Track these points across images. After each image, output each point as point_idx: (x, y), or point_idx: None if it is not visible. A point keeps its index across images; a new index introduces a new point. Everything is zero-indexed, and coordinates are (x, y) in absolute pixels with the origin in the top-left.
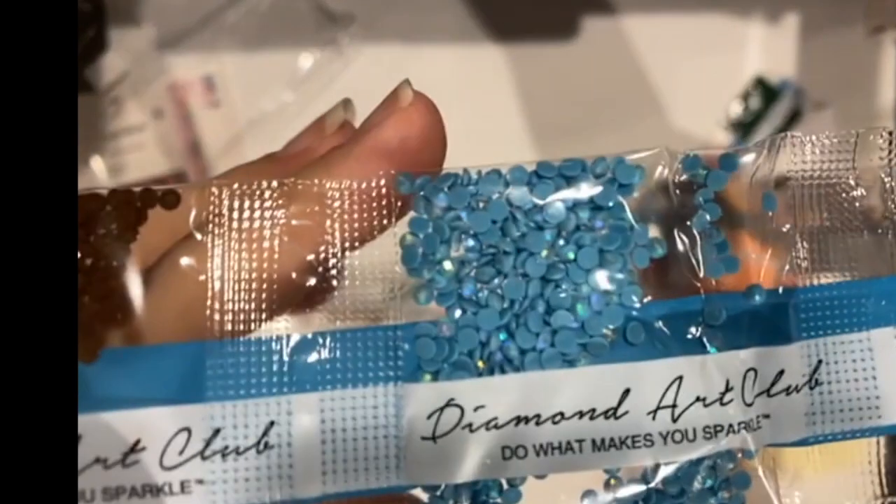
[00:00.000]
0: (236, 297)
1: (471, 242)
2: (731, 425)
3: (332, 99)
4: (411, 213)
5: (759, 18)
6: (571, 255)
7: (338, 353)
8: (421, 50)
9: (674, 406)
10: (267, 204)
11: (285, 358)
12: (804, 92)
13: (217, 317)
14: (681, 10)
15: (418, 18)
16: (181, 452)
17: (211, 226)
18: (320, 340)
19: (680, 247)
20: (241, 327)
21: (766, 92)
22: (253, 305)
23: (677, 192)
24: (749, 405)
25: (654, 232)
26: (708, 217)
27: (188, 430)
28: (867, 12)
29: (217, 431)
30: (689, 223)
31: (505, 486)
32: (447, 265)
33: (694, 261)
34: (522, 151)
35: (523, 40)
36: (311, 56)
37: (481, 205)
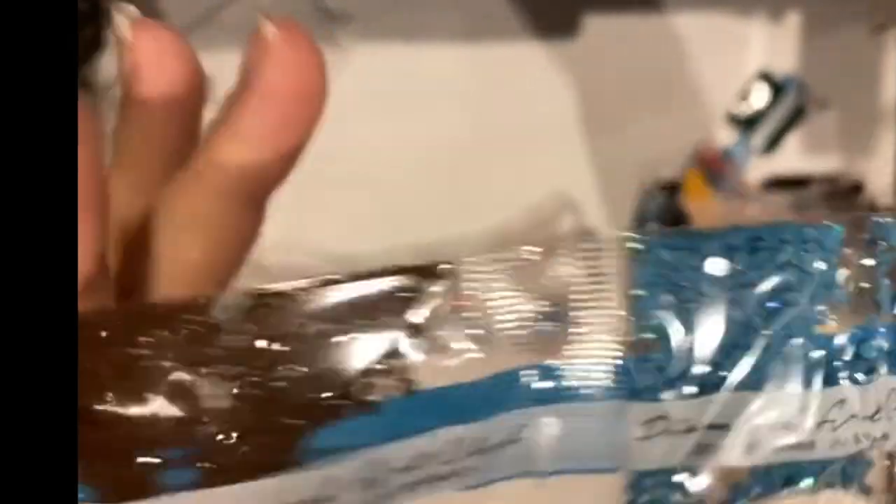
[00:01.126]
0: None
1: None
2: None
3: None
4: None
5: (761, 17)
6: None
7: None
8: (420, 49)
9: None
10: None
11: None
12: (808, 88)
13: None
14: (683, 9)
15: (417, 17)
16: None
17: None
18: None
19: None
20: None
21: (771, 87)
22: None
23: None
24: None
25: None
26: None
27: None
28: (870, 11)
29: None
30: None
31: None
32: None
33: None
34: (523, 151)
35: (523, 40)
36: None
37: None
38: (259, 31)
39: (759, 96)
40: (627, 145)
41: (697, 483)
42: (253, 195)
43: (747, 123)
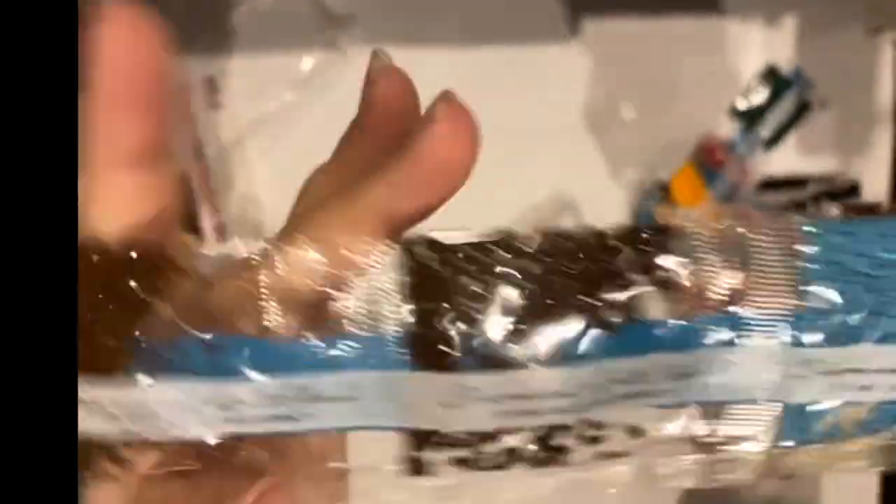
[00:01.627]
0: None
1: None
2: None
3: (333, 100)
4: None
5: (758, 19)
6: None
7: None
8: (422, 51)
9: None
10: None
11: None
12: (814, 84)
13: None
14: (681, 11)
15: (420, 20)
16: None
17: None
18: None
19: None
20: None
21: (776, 81)
22: None
23: None
24: None
25: None
26: None
27: None
28: (866, 13)
29: None
30: None
31: None
32: None
33: None
34: (523, 151)
35: (524, 42)
36: (312, 57)
37: None
38: (434, 104)
39: (764, 90)
40: (627, 146)
41: (833, 415)
42: (391, 236)
43: (751, 117)
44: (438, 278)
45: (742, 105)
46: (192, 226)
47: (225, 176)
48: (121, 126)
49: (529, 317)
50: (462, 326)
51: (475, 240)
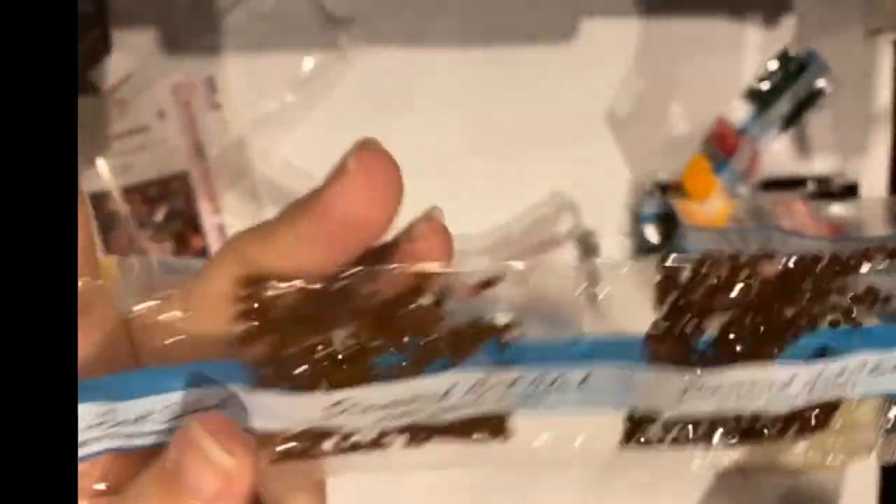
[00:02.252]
0: None
1: None
2: None
3: (334, 101)
4: None
5: (756, 21)
6: None
7: None
8: (422, 52)
9: None
10: None
11: None
12: (828, 67)
13: None
14: (680, 13)
15: (419, 21)
16: None
17: None
18: None
19: None
20: None
21: (792, 64)
22: None
23: None
24: None
25: None
26: None
27: None
28: (865, 15)
29: None
30: None
31: None
32: None
33: None
34: (524, 153)
35: (523, 42)
36: (312, 58)
37: None
38: (348, 155)
39: (779, 71)
40: (627, 146)
41: None
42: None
43: (764, 99)
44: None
45: (756, 87)
46: (193, 226)
47: (225, 176)
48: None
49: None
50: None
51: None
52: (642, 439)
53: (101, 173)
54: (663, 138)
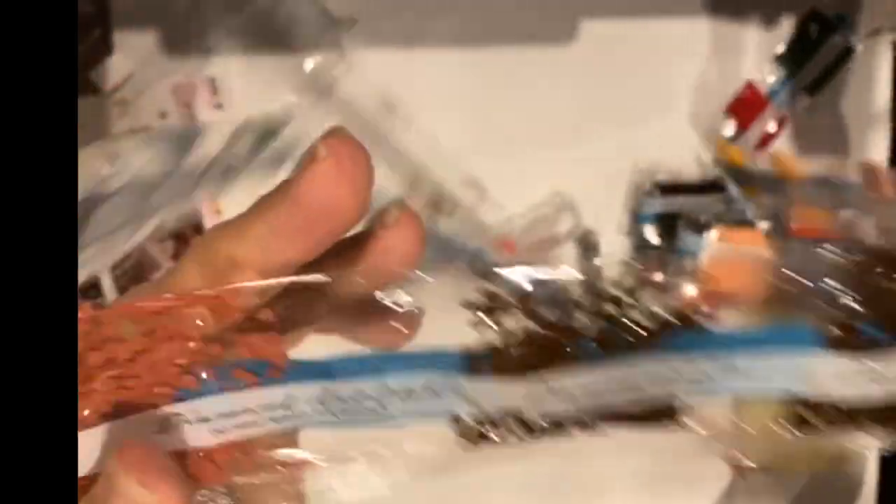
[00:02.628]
0: None
1: None
2: None
3: (334, 101)
4: None
5: (755, 22)
6: None
7: None
8: (422, 53)
9: None
10: None
11: None
12: (857, 27)
13: None
14: (679, 14)
15: (420, 22)
16: None
17: None
18: None
19: None
20: None
21: (822, 24)
22: None
23: None
24: None
25: None
26: None
27: None
28: (864, 15)
29: None
30: None
31: None
32: None
33: None
34: (524, 153)
35: (523, 42)
36: (313, 59)
37: None
38: (316, 143)
39: (807, 33)
40: (626, 147)
41: None
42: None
43: (792, 62)
44: None
45: (785, 51)
46: (194, 226)
47: (225, 176)
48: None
49: None
50: None
51: None
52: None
53: (102, 173)
54: (663, 138)
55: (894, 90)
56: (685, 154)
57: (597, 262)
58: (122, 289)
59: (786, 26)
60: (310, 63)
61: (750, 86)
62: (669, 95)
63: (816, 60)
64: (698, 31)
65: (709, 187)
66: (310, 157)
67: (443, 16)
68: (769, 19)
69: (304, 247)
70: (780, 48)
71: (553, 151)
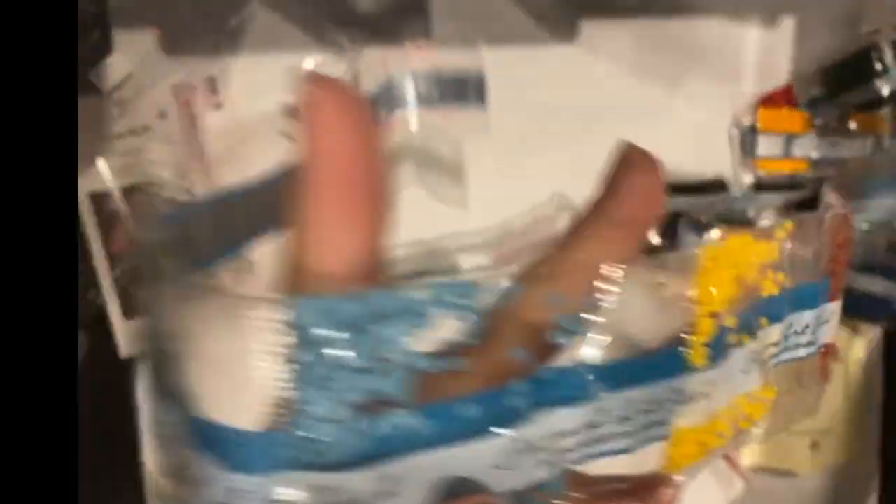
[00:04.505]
0: None
1: None
2: None
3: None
4: None
5: (755, 21)
6: None
7: None
8: (422, 52)
9: None
10: None
11: None
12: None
13: None
14: (679, 14)
15: (420, 21)
16: None
17: None
18: None
19: None
20: None
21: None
22: None
23: None
24: None
25: None
26: None
27: None
28: (864, 15)
29: None
30: None
31: None
32: None
33: None
34: (524, 153)
35: (523, 43)
36: (313, 58)
37: None
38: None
39: (868, 61)
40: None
41: None
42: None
43: (843, 83)
44: None
45: (832, 66)
46: None
47: (225, 176)
48: (341, 232)
49: None
50: None
51: None
52: None
53: (102, 173)
54: (663, 138)
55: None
56: (685, 154)
57: None
58: (121, 289)
59: (787, 26)
60: (310, 63)
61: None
62: (670, 95)
63: (861, 91)
64: (699, 29)
65: (709, 187)
66: (626, 164)
67: (443, 15)
68: (770, 19)
69: (634, 245)
70: (830, 62)
71: (553, 151)
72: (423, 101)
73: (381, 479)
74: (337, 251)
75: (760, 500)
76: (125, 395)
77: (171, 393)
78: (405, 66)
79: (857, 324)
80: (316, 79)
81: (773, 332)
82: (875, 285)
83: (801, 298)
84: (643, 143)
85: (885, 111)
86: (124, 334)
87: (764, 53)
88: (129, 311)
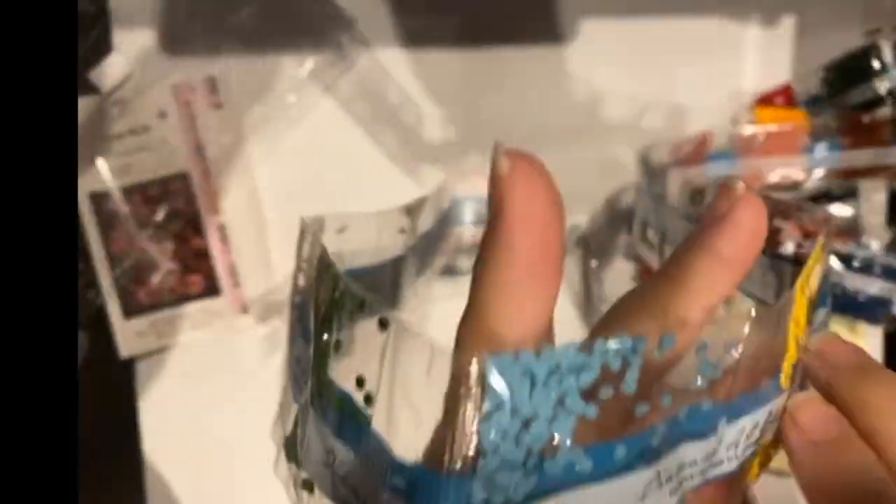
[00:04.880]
0: None
1: None
2: None
3: (334, 101)
4: None
5: (755, 21)
6: None
7: None
8: (422, 52)
9: None
10: None
11: None
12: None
13: None
14: (678, 13)
15: (420, 21)
16: None
17: None
18: None
19: None
20: None
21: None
22: None
23: None
24: None
25: None
26: None
27: None
28: (863, 15)
29: None
30: None
31: None
32: None
33: None
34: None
35: (523, 43)
36: (313, 58)
37: None
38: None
39: (867, 60)
40: (626, 147)
41: None
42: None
43: (846, 80)
44: None
45: (837, 65)
46: (193, 226)
47: (225, 176)
48: (531, 299)
49: None
50: None
51: None
52: None
53: (101, 173)
54: (662, 138)
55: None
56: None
57: (594, 263)
58: (121, 289)
59: (787, 26)
60: (310, 63)
61: (787, 89)
62: (670, 95)
63: (863, 90)
64: (699, 29)
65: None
66: (727, 196)
67: (443, 15)
68: (770, 19)
69: (738, 277)
70: (836, 62)
71: (552, 151)
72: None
73: None
74: (527, 318)
75: (760, 499)
76: (125, 395)
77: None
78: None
79: (857, 324)
80: (509, 151)
81: None
82: (874, 286)
83: None
84: (643, 142)
85: (884, 111)
86: (124, 334)
87: (764, 53)
88: (128, 312)
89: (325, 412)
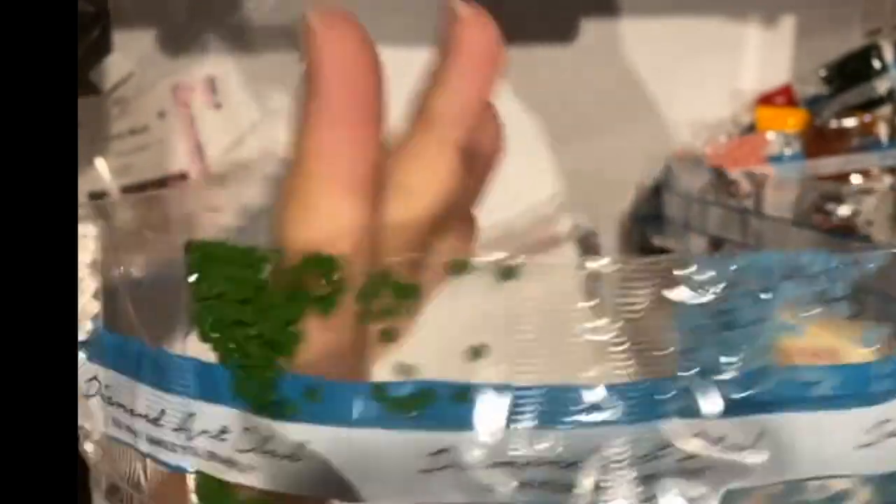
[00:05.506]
0: None
1: None
2: None
3: None
4: None
5: (755, 21)
6: None
7: None
8: (422, 52)
9: None
10: None
11: None
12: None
13: None
14: (678, 13)
15: (419, 20)
16: None
17: None
18: None
19: None
20: None
21: (877, 59)
22: None
23: None
24: None
25: None
26: None
27: None
28: (864, 16)
29: None
30: None
31: None
32: None
33: None
34: (524, 153)
35: (523, 43)
36: None
37: None
38: (453, 12)
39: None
40: (626, 147)
41: None
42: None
43: (847, 78)
44: None
45: (837, 65)
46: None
47: (225, 176)
48: (347, 148)
49: None
50: None
51: None
52: None
53: (101, 173)
54: (663, 138)
55: None
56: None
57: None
58: None
59: (787, 26)
60: None
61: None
62: (668, 96)
63: (862, 90)
64: (699, 29)
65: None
66: (453, 18)
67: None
68: (770, 19)
69: (476, 93)
70: (835, 62)
71: (553, 151)
72: None
73: (745, 428)
74: (344, 160)
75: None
76: None
77: None
78: None
79: (856, 324)
80: (322, 10)
81: None
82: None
83: None
84: (643, 142)
85: (884, 111)
86: None
87: (764, 53)
88: None
89: None
